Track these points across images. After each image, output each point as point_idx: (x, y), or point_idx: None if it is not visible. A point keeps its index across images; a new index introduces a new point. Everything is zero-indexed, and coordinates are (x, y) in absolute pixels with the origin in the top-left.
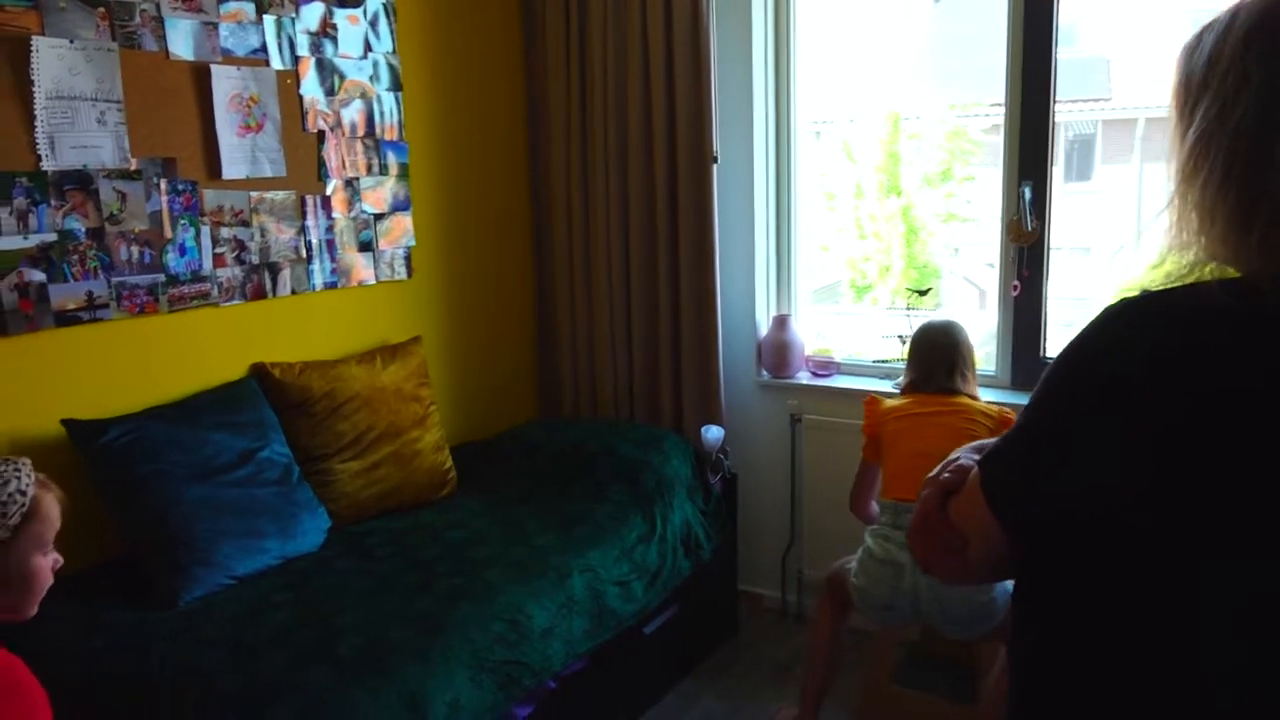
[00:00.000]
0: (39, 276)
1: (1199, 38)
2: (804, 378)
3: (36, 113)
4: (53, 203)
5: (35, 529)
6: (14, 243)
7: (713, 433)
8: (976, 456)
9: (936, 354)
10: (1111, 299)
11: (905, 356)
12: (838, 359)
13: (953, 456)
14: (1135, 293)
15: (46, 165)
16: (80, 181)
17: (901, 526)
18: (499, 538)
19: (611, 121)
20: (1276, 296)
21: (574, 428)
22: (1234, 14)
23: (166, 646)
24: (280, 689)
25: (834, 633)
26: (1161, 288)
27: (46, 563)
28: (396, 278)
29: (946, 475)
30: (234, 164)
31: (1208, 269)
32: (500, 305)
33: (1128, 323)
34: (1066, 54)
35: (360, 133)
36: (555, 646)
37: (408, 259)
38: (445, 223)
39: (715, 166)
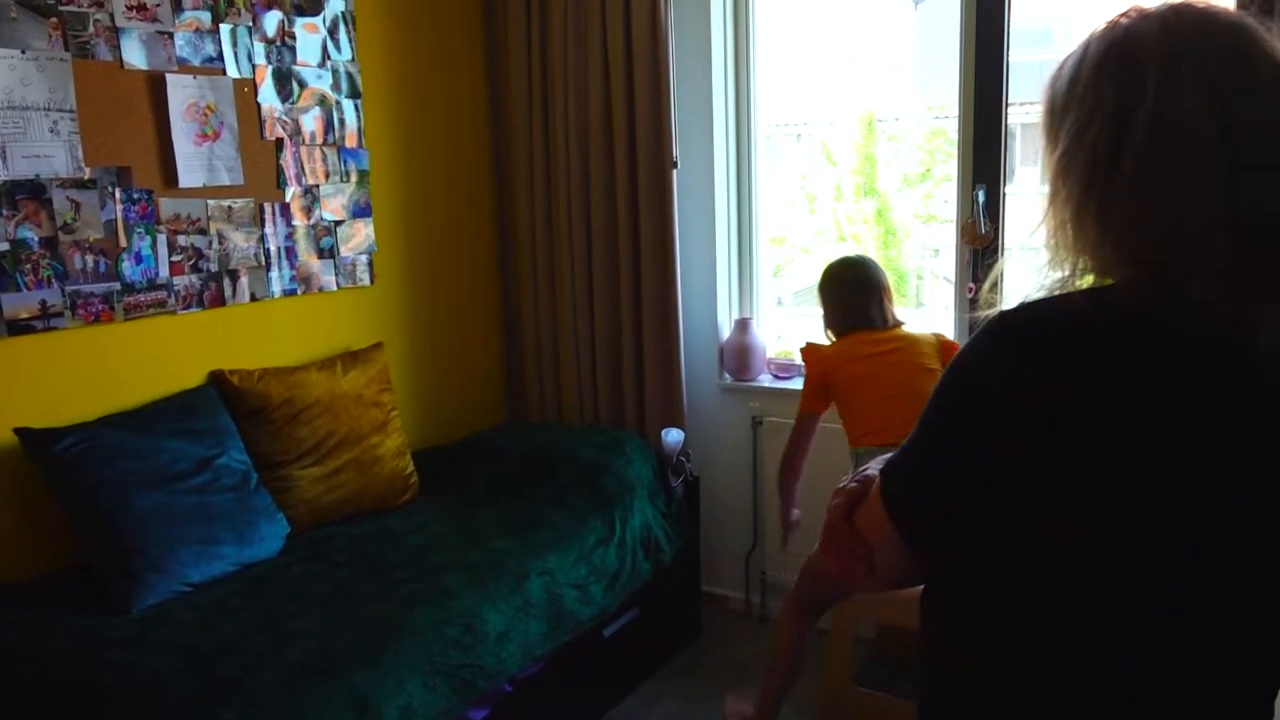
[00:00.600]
0: None
1: (1061, 65)
2: (765, 380)
3: None
4: (4, 212)
5: None
6: None
7: (673, 435)
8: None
9: (861, 289)
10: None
11: (822, 301)
12: (799, 361)
13: (864, 467)
14: (1012, 306)
15: None
16: (32, 191)
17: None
18: (458, 542)
19: (573, 128)
20: (1133, 302)
21: (537, 432)
22: (1088, 42)
23: (119, 651)
24: (230, 692)
25: (801, 634)
26: (1038, 298)
27: None
28: (358, 284)
29: (854, 484)
30: (191, 172)
31: (1087, 279)
32: (464, 311)
33: (997, 336)
34: (1042, 55)
35: (320, 140)
36: (510, 650)
37: (370, 265)
38: (408, 229)
39: (675, 171)
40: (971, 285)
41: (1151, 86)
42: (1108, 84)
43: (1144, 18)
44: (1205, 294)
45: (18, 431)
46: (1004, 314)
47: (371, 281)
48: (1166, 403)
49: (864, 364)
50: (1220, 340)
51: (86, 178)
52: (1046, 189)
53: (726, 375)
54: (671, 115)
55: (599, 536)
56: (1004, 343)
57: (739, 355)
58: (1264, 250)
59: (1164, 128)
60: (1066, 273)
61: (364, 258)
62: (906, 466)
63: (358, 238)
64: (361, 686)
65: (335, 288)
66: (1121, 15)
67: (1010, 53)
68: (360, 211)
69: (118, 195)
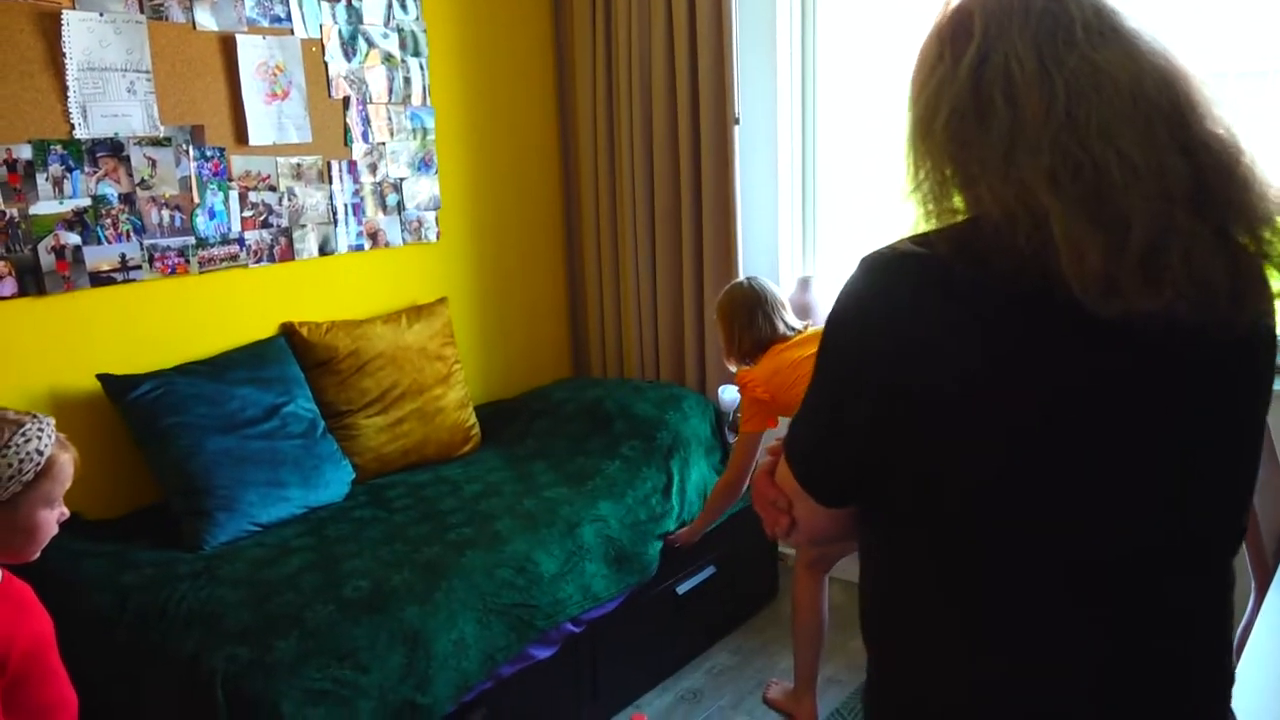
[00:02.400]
0: (74, 239)
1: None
2: None
3: (69, 83)
4: (86, 169)
5: (46, 486)
6: (50, 207)
7: (729, 393)
8: None
9: (759, 305)
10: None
11: (726, 330)
12: None
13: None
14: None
15: (79, 133)
16: (112, 149)
17: None
18: (512, 491)
19: (636, 86)
20: (994, 234)
21: (597, 387)
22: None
23: (187, 585)
24: (287, 624)
25: (816, 591)
26: (893, 244)
27: (52, 516)
28: (424, 240)
29: (777, 442)
30: (261, 130)
31: (959, 217)
32: (528, 267)
33: (856, 279)
34: None
35: (385, 99)
36: (568, 590)
37: (435, 221)
38: (472, 186)
39: (737, 128)
40: None
41: (976, 39)
42: (944, 45)
43: None
44: (1036, 228)
45: (100, 378)
46: (866, 257)
47: (436, 238)
48: (1028, 320)
49: (796, 369)
50: (1054, 268)
51: (162, 136)
52: (910, 128)
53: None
54: (734, 71)
55: (656, 485)
56: (864, 282)
57: (800, 313)
58: (1085, 182)
59: (989, 71)
60: (934, 209)
61: (430, 214)
62: (802, 431)
63: (423, 194)
64: (413, 621)
65: (401, 243)
66: None
67: None
68: (425, 168)
69: (191, 153)
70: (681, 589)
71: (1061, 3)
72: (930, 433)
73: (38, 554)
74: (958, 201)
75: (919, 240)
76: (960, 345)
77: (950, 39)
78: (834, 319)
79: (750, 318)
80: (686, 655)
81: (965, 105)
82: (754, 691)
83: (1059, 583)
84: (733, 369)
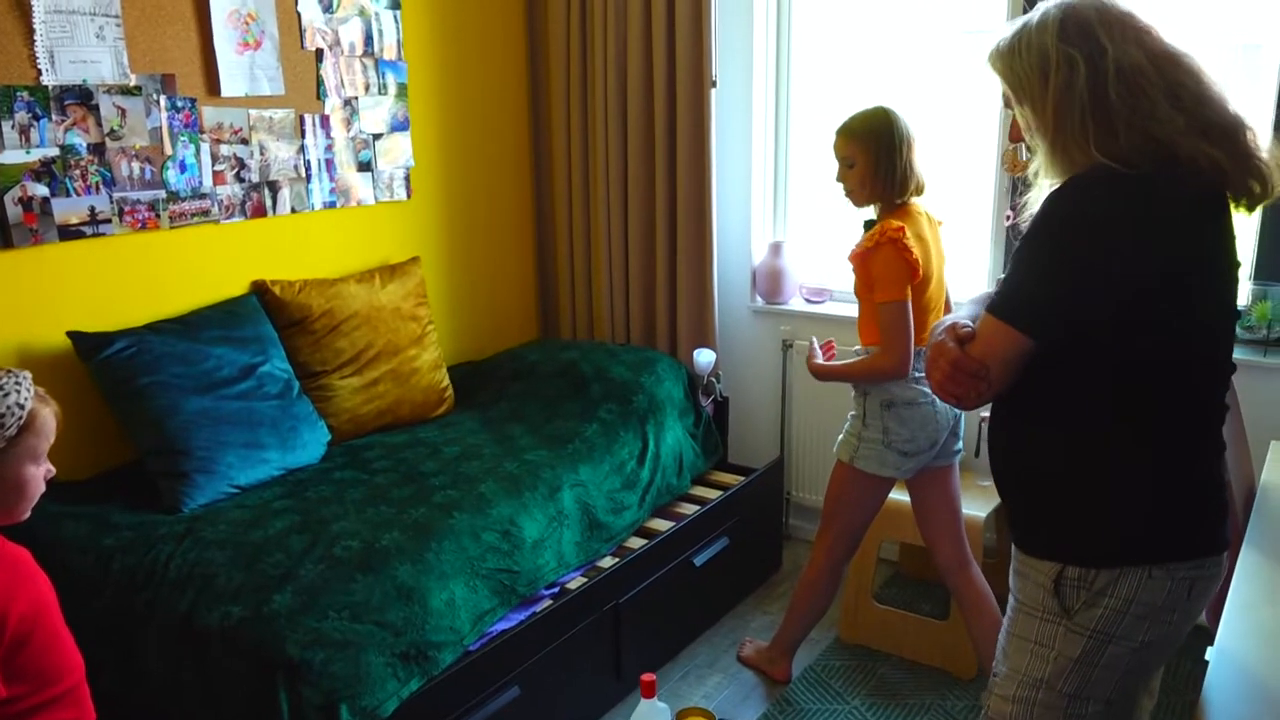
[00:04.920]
0: (42, 190)
1: (1015, 42)
2: (797, 304)
3: (35, 26)
4: (54, 117)
5: (30, 441)
6: (17, 157)
7: (704, 356)
8: (967, 324)
9: (903, 144)
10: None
11: (870, 156)
12: (831, 287)
13: (946, 323)
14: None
15: (47, 79)
16: (81, 96)
17: (921, 370)
18: (492, 453)
19: (611, 45)
20: (1146, 163)
21: (570, 349)
22: (1044, 23)
23: (172, 545)
24: (281, 581)
25: (834, 582)
26: (1082, 173)
27: (39, 472)
28: (395, 198)
29: (964, 329)
30: (233, 81)
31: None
32: (499, 227)
33: (1085, 188)
34: None
35: (359, 51)
36: (546, 556)
37: (407, 179)
38: (444, 144)
39: (714, 91)
40: (1009, 213)
41: (1108, 45)
42: (1075, 50)
43: (1067, 6)
44: (1192, 148)
45: (71, 335)
46: (1071, 180)
47: (408, 196)
48: (1200, 217)
49: (930, 248)
50: (1204, 173)
51: (132, 85)
52: (1048, 123)
53: (758, 298)
54: (712, 33)
55: (631, 450)
56: (1091, 191)
57: (771, 278)
58: (1200, 120)
59: (1125, 67)
60: (1062, 177)
61: (401, 171)
62: (1033, 292)
63: (395, 151)
64: (406, 579)
65: (373, 201)
66: (1049, 6)
67: None
68: (399, 125)
69: (162, 103)
70: (698, 560)
71: (1113, 6)
72: (1143, 283)
73: (28, 512)
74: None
75: (1106, 169)
76: (1166, 221)
77: (1078, 44)
78: (1062, 212)
79: (906, 147)
80: (700, 627)
81: (1115, 89)
82: (728, 651)
83: (1209, 392)
84: (855, 207)
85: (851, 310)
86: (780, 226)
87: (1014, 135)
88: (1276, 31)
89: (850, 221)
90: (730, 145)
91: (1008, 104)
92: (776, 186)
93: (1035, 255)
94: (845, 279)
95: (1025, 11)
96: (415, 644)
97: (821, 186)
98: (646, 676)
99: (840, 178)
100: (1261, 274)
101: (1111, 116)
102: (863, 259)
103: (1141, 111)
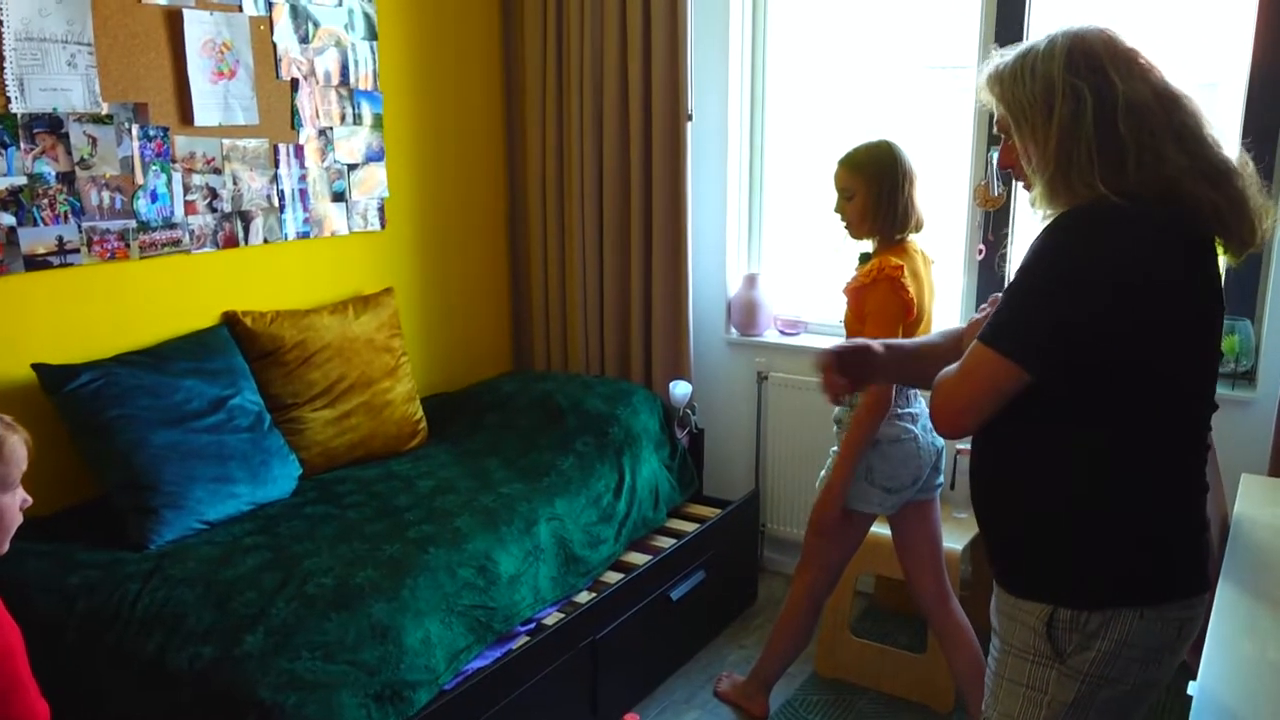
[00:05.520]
0: (8, 220)
1: (1019, 68)
2: (772, 336)
3: (5, 53)
4: (22, 145)
5: (1, 471)
6: None
7: (680, 388)
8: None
9: (905, 179)
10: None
11: (873, 189)
12: (806, 319)
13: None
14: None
15: (16, 107)
16: (50, 125)
17: (904, 407)
18: (467, 487)
19: (588, 78)
20: (1149, 199)
21: (544, 381)
22: (1050, 51)
23: (140, 584)
24: (253, 621)
25: (812, 619)
26: (1083, 205)
27: (14, 502)
28: (370, 229)
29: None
30: (206, 110)
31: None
32: (474, 259)
33: (1082, 226)
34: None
35: (335, 81)
36: (523, 592)
37: (381, 210)
38: (419, 175)
39: (690, 125)
40: (981, 247)
41: (1117, 80)
42: (1082, 82)
43: (1075, 36)
44: (1194, 190)
45: (35, 367)
46: (1073, 212)
47: (382, 226)
48: (1197, 258)
49: (926, 288)
50: (1203, 216)
51: (104, 113)
52: (1049, 155)
53: (733, 330)
54: (688, 67)
55: (608, 484)
56: (1093, 225)
57: (746, 310)
58: (1202, 162)
59: (1134, 103)
60: (1061, 208)
61: (375, 202)
62: (1027, 319)
63: (370, 182)
64: (381, 617)
65: (347, 231)
66: (1055, 35)
67: (1031, 12)
68: (374, 156)
69: (134, 132)
70: (675, 594)
71: (1120, 42)
72: (1142, 321)
73: (6, 546)
74: (1107, 187)
75: (1110, 202)
76: (1168, 260)
77: (1085, 76)
78: (1065, 244)
79: (908, 183)
80: (677, 662)
81: (1123, 122)
82: (705, 686)
83: (1195, 433)
84: (852, 239)
85: (826, 342)
86: (755, 259)
87: (1004, 161)
88: (1232, 70)
89: (827, 254)
90: (705, 178)
91: (1003, 130)
92: (751, 219)
93: (1033, 285)
94: (820, 311)
95: (995, 49)
96: (390, 684)
97: (796, 219)
98: (629, 717)
99: (839, 209)
100: (1229, 308)
101: (1120, 152)
102: (858, 293)
103: (1149, 149)
